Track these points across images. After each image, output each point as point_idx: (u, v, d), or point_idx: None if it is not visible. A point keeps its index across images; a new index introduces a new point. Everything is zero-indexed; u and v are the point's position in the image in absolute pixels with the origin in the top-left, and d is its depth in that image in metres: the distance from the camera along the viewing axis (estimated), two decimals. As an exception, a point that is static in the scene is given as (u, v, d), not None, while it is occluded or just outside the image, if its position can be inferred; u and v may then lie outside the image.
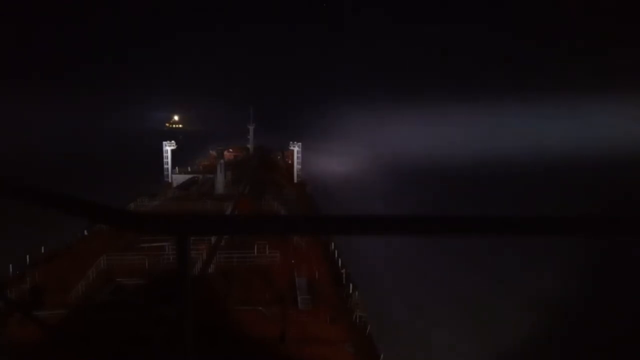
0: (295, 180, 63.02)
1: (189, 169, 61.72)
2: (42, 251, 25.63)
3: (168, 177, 58.93)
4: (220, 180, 47.27)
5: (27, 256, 24.14)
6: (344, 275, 23.10)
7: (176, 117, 63.51)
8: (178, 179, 57.12)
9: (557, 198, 64.24)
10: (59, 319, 16.70)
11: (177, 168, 59.94)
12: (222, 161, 48.20)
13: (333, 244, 27.78)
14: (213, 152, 65.28)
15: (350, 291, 21.07)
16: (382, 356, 16.72)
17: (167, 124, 63.78)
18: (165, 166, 59.90)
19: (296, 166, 64.56)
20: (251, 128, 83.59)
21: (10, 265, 22.65)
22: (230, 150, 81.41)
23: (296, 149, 64.63)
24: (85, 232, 29.39)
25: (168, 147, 60.20)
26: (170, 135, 62.96)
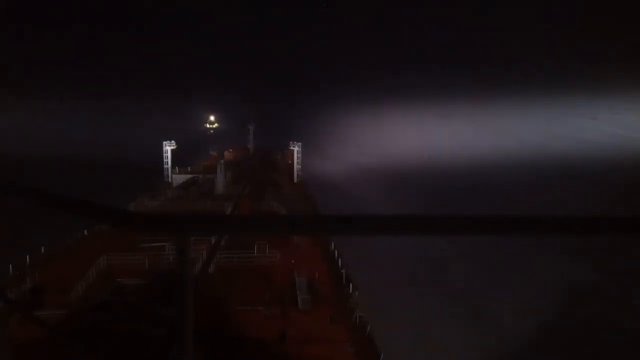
0: (295, 180, 63.00)
1: (189, 169, 61.71)
2: (42, 251, 25.63)
3: (168, 177, 58.89)
4: (220, 180, 47.30)
5: (27, 256, 24.13)
6: (344, 275, 23.08)
7: (212, 117, 62.25)
8: (178, 179, 57.13)
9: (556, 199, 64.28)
10: (59, 319, 16.70)
11: (177, 168, 59.91)
12: (222, 161, 48.25)
13: (333, 244, 27.76)
14: (213, 152, 65.27)
15: (350, 291, 21.06)
16: (382, 356, 16.71)
17: (205, 124, 62.62)
18: (165, 166, 59.82)
19: (296, 166, 64.51)
20: (251, 128, 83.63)
21: (10, 265, 22.65)
22: (230, 150, 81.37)
23: (296, 149, 64.60)
24: (85, 232, 29.40)
25: (168, 147, 60.13)
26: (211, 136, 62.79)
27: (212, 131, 63.87)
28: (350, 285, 21.61)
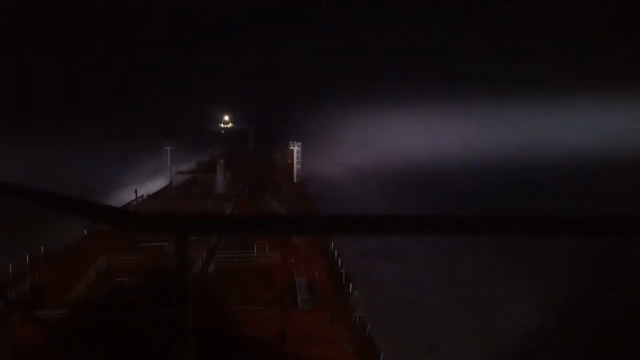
0: (295, 180, 62.99)
1: (189, 169, 61.70)
2: (42, 251, 25.63)
3: (168, 177, 58.91)
4: (220, 180, 47.36)
5: (27, 256, 24.13)
6: (344, 275, 23.10)
7: (227, 117, 61.05)
8: (178, 179, 57.14)
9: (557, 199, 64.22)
10: (59, 319, 16.70)
11: (177, 168, 59.89)
12: (222, 161, 48.31)
13: (333, 244, 27.76)
14: (213, 152, 65.25)
15: (350, 291, 21.07)
16: (382, 356, 16.72)
17: (220, 125, 61.37)
18: (165, 166, 59.81)
19: (296, 166, 64.50)
20: (251, 128, 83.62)
21: (10, 265, 22.65)
22: (230, 150, 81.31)
23: (296, 149, 64.60)
24: (85, 232, 29.38)
25: (168, 147, 60.12)
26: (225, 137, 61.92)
27: (224, 131, 63.54)
28: (350, 285, 21.62)
